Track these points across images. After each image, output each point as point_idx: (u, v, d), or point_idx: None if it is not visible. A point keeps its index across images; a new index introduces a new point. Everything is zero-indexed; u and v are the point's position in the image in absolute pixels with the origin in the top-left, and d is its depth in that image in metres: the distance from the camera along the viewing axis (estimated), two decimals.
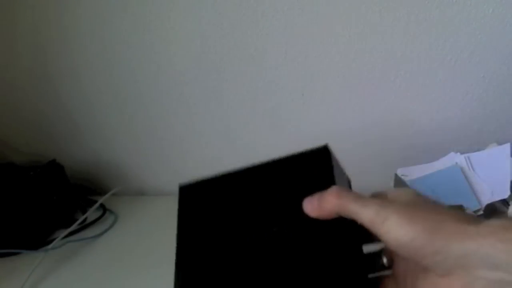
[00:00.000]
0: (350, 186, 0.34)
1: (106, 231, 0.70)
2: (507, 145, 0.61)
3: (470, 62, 0.65)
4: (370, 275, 0.29)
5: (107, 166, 0.86)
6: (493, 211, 0.58)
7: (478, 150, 0.65)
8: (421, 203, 0.26)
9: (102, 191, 0.78)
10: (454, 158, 0.65)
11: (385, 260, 0.30)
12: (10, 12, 0.73)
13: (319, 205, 0.28)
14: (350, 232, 0.27)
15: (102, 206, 0.76)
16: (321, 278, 0.27)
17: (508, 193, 0.56)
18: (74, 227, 0.66)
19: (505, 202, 0.59)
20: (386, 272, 0.30)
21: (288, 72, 0.69)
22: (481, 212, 0.57)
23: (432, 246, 0.23)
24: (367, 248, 0.31)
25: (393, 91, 0.69)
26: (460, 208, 0.56)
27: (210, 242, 0.31)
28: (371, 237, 0.30)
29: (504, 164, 0.59)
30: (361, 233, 0.29)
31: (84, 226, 0.71)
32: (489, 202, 0.56)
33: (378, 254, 0.30)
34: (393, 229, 0.24)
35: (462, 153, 0.65)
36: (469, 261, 0.22)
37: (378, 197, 0.29)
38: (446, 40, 0.64)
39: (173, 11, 0.68)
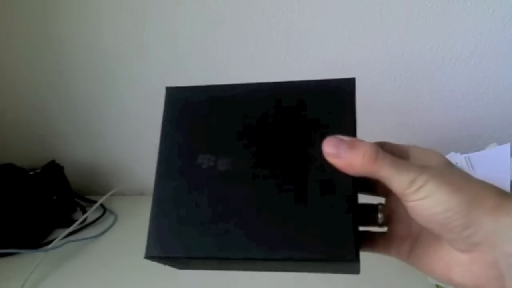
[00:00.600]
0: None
1: (106, 231, 0.70)
2: (507, 145, 0.61)
3: (470, 62, 0.65)
4: (361, 228, 0.27)
5: (107, 166, 0.86)
6: None
7: (478, 150, 0.65)
8: (455, 171, 0.24)
9: (102, 191, 0.78)
10: (454, 158, 0.65)
11: (380, 216, 0.28)
12: (8, 12, 0.73)
13: (346, 157, 0.23)
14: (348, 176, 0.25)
15: (102, 206, 0.76)
16: (307, 216, 0.25)
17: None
18: (74, 227, 0.66)
19: None
20: (378, 229, 0.29)
21: (288, 73, 0.69)
22: None
23: (465, 219, 0.21)
24: (363, 199, 0.29)
25: (392, 91, 0.69)
26: None
27: (196, 150, 0.28)
28: (370, 188, 0.28)
29: (504, 164, 0.59)
30: (360, 181, 0.27)
31: (84, 226, 0.71)
32: None
33: (374, 209, 0.28)
34: (428, 197, 0.22)
35: (462, 153, 0.65)
36: (498, 237, 0.21)
37: (401, 154, 0.26)
38: (446, 40, 0.64)
39: (173, 11, 0.68)
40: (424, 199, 0.22)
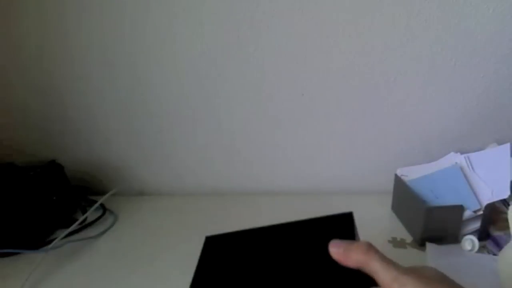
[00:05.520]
0: None
1: (106, 231, 0.70)
2: (507, 145, 0.61)
3: (470, 62, 0.65)
4: None
5: (107, 166, 0.86)
6: (493, 210, 0.58)
7: (478, 150, 0.65)
8: (440, 279, 0.27)
9: (102, 191, 0.78)
10: (454, 158, 0.65)
11: None
12: (12, 14, 0.73)
13: (345, 253, 0.29)
14: (357, 275, 0.29)
15: (102, 206, 0.76)
16: None
17: (508, 193, 0.56)
18: (74, 227, 0.66)
19: (505, 202, 0.59)
20: None
21: (288, 73, 0.69)
22: (481, 212, 0.57)
23: None
24: None
25: (393, 91, 0.69)
26: (461, 208, 0.56)
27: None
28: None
29: (504, 164, 0.59)
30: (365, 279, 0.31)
31: (84, 226, 0.71)
32: (489, 202, 0.57)
33: None
34: None
35: (462, 153, 0.65)
36: None
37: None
38: (446, 40, 0.64)
39: (173, 15, 0.68)
40: None
